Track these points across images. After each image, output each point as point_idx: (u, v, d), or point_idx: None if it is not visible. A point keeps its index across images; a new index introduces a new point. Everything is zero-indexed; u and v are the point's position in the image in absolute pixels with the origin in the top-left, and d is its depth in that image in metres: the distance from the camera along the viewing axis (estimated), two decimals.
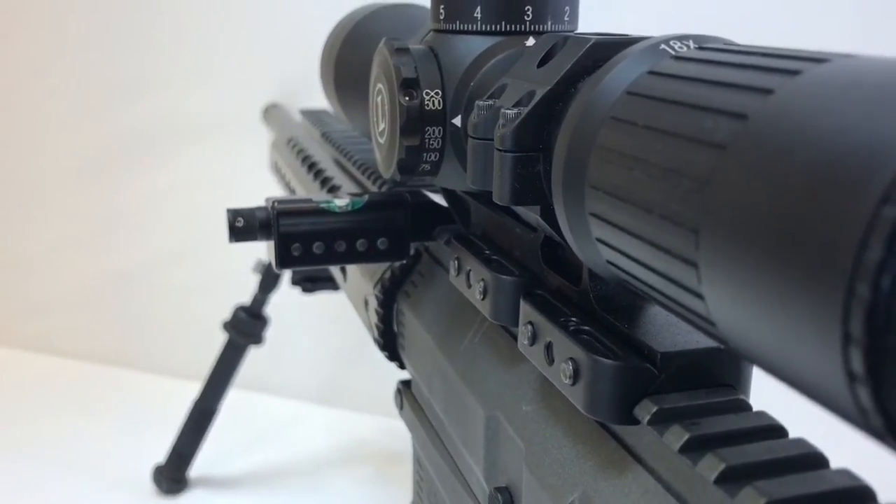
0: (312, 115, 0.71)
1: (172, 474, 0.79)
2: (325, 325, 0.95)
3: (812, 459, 0.22)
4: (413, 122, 0.34)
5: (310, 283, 0.75)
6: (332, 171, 0.57)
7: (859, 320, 0.14)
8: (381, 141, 0.37)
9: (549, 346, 0.28)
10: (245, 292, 0.81)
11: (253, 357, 0.82)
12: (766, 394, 0.27)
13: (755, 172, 0.17)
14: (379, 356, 0.51)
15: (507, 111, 0.27)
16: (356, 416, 0.93)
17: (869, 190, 0.14)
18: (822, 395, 0.16)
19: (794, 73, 0.18)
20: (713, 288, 0.18)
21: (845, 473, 0.21)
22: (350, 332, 0.90)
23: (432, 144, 0.34)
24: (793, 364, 0.17)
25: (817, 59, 0.18)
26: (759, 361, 0.19)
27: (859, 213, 0.14)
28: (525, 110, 0.27)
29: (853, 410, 0.15)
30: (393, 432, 0.88)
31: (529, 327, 0.29)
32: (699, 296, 0.19)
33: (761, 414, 0.24)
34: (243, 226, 0.40)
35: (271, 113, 0.85)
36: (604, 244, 0.23)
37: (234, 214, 0.40)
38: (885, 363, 0.14)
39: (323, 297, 0.81)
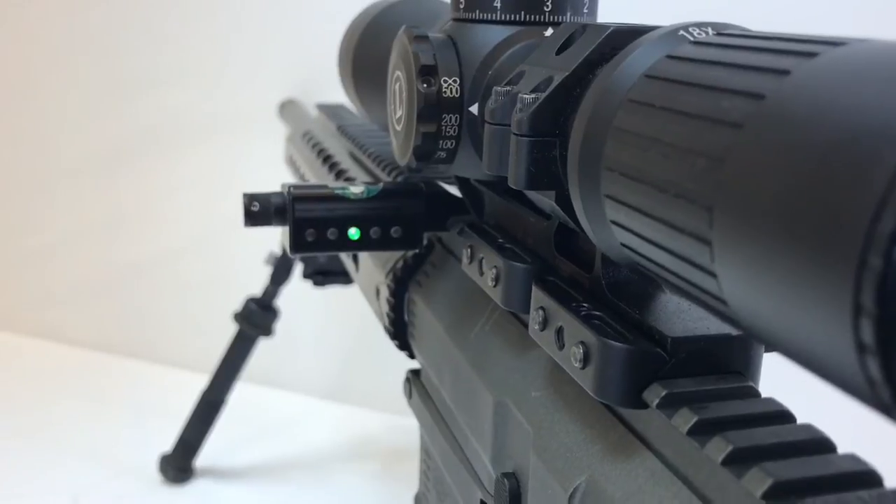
0: (328, 109, 0.72)
1: (178, 463, 0.80)
2: (334, 322, 0.96)
3: (819, 444, 0.22)
4: (430, 109, 0.34)
5: (322, 276, 0.75)
6: (346, 163, 0.58)
7: (871, 291, 0.14)
8: (398, 128, 0.37)
9: (559, 331, 0.28)
10: (255, 286, 0.81)
11: (262, 351, 0.82)
12: (779, 390, 0.27)
13: (771, 150, 0.17)
14: (387, 353, 0.51)
15: (524, 96, 0.28)
16: (363, 413, 0.94)
17: (883, 164, 0.15)
18: (832, 370, 0.17)
19: (811, 55, 0.18)
20: (726, 265, 0.19)
21: (852, 458, 0.21)
22: (359, 328, 0.90)
23: (448, 132, 0.35)
24: (803, 338, 0.17)
25: (834, 43, 0.18)
26: (769, 339, 0.19)
27: (873, 186, 0.15)
28: (542, 95, 0.27)
29: (862, 383, 0.16)
30: (399, 429, 0.88)
31: (541, 312, 0.29)
32: (712, 274, 0.19)
33: (770, 400, 0.24)
34: (259, 210, 0.41)
35: (287, 108, 0.86)
36: (618, 226, 0.24)
37: (249, 199, 0.41)
38: (895, 334, 0.14)
39: (333, 294, 0.82)
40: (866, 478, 0.20)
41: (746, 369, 0.26)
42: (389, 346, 0.48)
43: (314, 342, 0.97)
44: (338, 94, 0.62)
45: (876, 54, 0.17)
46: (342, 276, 0.74)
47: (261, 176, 0.86)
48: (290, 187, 0.41)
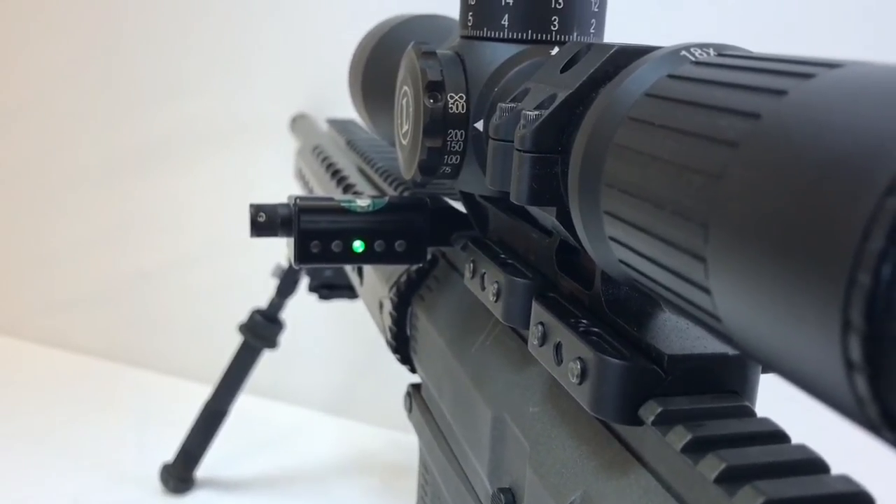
0: (339, 124, 0.73)
1: (180, 473, 0.80)
2: (338, 336, 0.96)
3: (812, 464, 0.22)
4: (436, 124, 0.35)
5: (327, 289, 0.76)
6: (354, 177, 0.58)
7: (859, 308, 0.15)
8: (404, 142, 0.37)
9: (558, 347, 0.28)
10: (262, 298, 0.82)
11: (265, 364, 0.82)
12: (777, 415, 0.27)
13: (765, 168, 0.18)
14: (390, 369, 0.51)
15: (528, 113, 0.28)
16: (365, 428, 0.93)
17: (874, 182, 0.15)
18: (821, 388, 0.17)
19: (808, 76, 0.19)
20: (720, 281, 0.19)
21: (845, 479, 0.21)
22: (363, 343, 0.90)
23: (454, 147, 0.35)
24: (794, 356, 0.17)
25: (831, 65, 0.19)
26: (762, 356, 0.19)
27: (864, 204, 0.15)
28: (546, 112, 0.28)
29: (850, 401, 0.16)
30: (400, 445, 0.88)
31: (540, 328, 0.30)
32: (706, 290, 0.20)
33: (765, 420, 0.24)
34: (265, 221, 0.41)
35: (299, 123, 0.87)
36: (616, 242, 0.24)
37: (256, 209, 0.41)
38: (882, 351, 0.15)
39: (338, 308, 0.82)
40: (858, 499, 0.21)
41: (743, 389, 0.26)
42: (392, 361, 0.49)
43: (318, 356, 0.97)
44: (349, 110, 0.63)
45: (871, 76, 0.18)
46: (347, 290, 0.74)
47: (271, 189, 0.87)
48: (296, 199, 0.41)
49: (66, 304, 1.10)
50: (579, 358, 0.26)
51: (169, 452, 0.80)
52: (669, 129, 0.21)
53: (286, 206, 0.41)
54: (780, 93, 0.19)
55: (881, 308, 0.14)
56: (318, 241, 0.41)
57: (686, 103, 0.21)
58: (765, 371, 0.27)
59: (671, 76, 0.23)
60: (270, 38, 0.92)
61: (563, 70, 0.29)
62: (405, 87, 0.37)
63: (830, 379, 0.16)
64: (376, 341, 0.54)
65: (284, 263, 0.80)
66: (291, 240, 0.41)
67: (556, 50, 0.34)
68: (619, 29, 0.40)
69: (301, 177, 0.75)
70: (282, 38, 0.91)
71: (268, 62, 0.93)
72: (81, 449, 0.86)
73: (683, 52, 0.24)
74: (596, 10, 0.35)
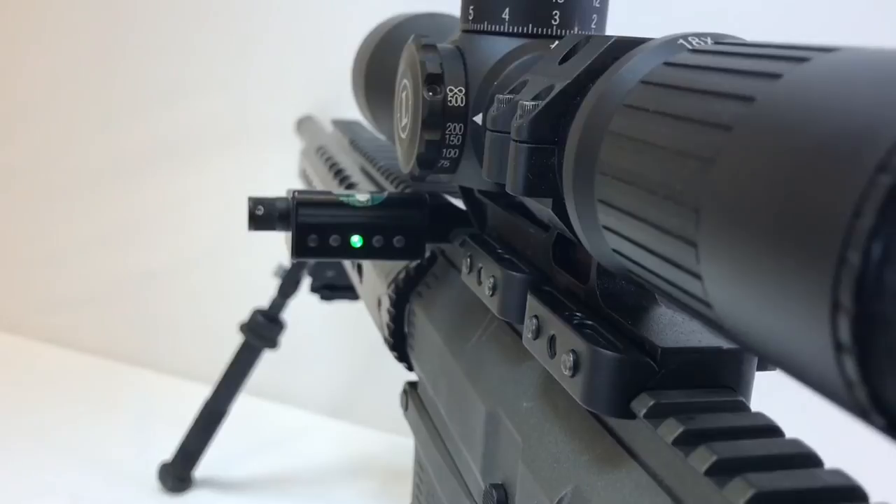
0: (343, 125, 0.73)
1: (178, 473, 0.80)
2: (340, 338, 0.95)
3: (805, 458, 0.21)
4: (435, 117, 0.34)
5: (329, 290, 0.75)
6: (357, 176, 0.58)
7: (849, 287, 0.14)
8: (403, 136, 0.37)
9: (552, 340, 0.28)
10: (263, 299, 0.81)
11: (266, 365, 0.82)
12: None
13: (758, 150, 0.17)
14: (391, 372, 0.51)
15: (525, 103, 0.28)
16: (365, 431, 0.93)
17: (866, 159, 0.14)
18: (810, 372, 0.16)
19: (803, 60, 0.18)
20: (711, 266, 0.19)
21: (838, 473, 0.21)
22: (364, 346, 0.90)
23: (452, 140, 0.35)
24: (784, 340, 0.17)
25: (826, 49, 0.18)
26: (752, 342, 0.19)
27: (855, 181, 0.14)
28: (542, 103, 0.27)
29: (839, 385, 0.15)
30: (400, 449, 0.87)
31: (534, 321, 0.29)
32: (697, 276, 0.19)
33: (759, 414, 0.24)
34: (263, 214, 0.41)
35: (304, 124, 0.87)
36: (610, 231, 0.24)
37: (254, 203, 0.41)
38: (871, 332, 0.14)
39: (339, 311, 0.82)
40: (851, 493, 0.20)
41: (737, 384, 0.26)
42: (393, 364, 0.48)
43: (319, 358, 0.97)
44: (355, 112, 0.63)
45: (865, 60, 0.17)
46: (349, 292, 0.74)
47: (275, 190, 0.87)
48: (294, 192, 0.41)
49: (68, 303, 1.10)
50: (572, 350, 0.26)
51: (168, 452, 0.80)
52: (664, 115, 0.21)
53: (284, 199, 0.41)
54: (775, 76, 0.18)
55: (871, 288, 0.14)
56: (316, 235, 0.41)
57: (681, 89, 0.21)
58: (760, 368, 0.26)
59: (667, 63, 0.23)
60: (276, 40, 0.93)
61: (562, 62, 0.29)
62: (405, 81, 0.37)
63: (819, 362, 0.16)
64: (377, 343, 0.53)
65: (287, 263, 0.80)
66: (289, 234, 0.41)
67: (556, 44, 0.34)
68: (621, 25, 0.40)
69: (305, 177, 0.75)
70: (288, 40, 0.92)
71: (274, 64, 0.93)
72: (80, 447, 0.86)
73: (681, 41, 0.24)
74: (597, 5, 0.35)
